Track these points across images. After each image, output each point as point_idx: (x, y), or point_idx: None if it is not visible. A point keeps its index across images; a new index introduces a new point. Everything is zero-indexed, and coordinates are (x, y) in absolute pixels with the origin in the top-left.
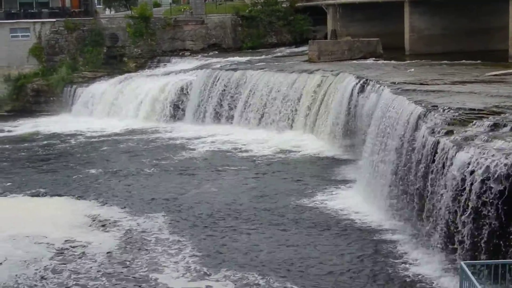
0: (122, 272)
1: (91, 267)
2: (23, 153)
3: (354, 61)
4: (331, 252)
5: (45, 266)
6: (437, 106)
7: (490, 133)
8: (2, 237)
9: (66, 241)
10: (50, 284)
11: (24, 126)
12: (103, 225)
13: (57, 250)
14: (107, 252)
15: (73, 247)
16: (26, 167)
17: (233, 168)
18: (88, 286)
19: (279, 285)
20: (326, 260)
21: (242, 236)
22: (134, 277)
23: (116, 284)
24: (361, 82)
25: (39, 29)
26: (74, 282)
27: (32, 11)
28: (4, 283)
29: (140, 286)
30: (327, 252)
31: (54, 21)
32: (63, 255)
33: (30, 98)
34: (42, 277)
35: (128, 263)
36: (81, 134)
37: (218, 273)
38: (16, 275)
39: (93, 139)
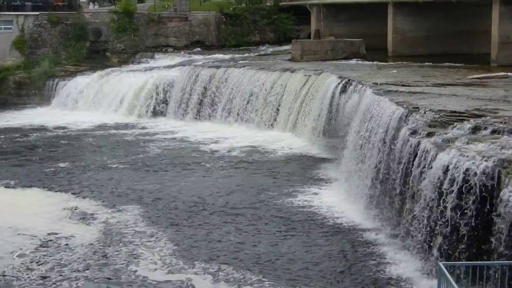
0: (103, 264)
1: (74, 259)
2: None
3: (337, 61)
4: (307, 250)
5: (31, 258)
6: (418, 107)
7: (471, 136)
8: None
9: (49, 233)
10: (36, 275)
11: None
12: (82, 218)
13: (41, 241)
14: (89, 244)
15: (57, 238)
16: (0, 159)
17: (211, 164)
18: (71, 277)
19: (255, 278)
20: (302, 258)
21: (218, 231)
22: (114, 269)
23: (98, 276)
24: (343, 82)
25: (22, 22)
26: (59, 274)
27: (16, 3)
28: None
29: (120, 278)
30: (303, 250)
31: (38, 15)
32: (48, 247)
33: (11, 91)
34: (28, 268)
35: (108, 255)
36: (59, 128)
37: (195, 266)
38: (4, 265)
39: (71, 133)
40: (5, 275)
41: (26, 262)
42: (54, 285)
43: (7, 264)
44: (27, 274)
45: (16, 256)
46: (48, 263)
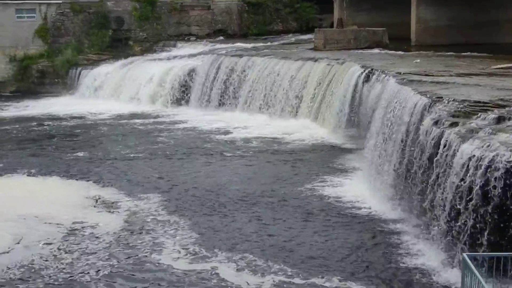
0: (129, 253)
1: (100, 248)
2: (20, 134)
3: (360, 51)
4: (330, 240)
5: (58, 246)
6: (442, 97)
7: (495, 126)
8: (13, 216)
9: (74, 222)
10: (63, 264)
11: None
12: (106, 206)
13: (67, 230)
14: (114, 233)
15: (83, 227)
16: (21, 148)
17: (232, 153)
18: (97, 266)
19: (277, 267)
20: (325, 248)
21: (239, 220)
22: (139, 258)
23: (122, 265)
24: (366, 71)
25: (45, 10)
26: (85, 263)
27: None
28: (21, 262)
29: (144, 267)
30: (327, 240)
31: (60, 3)
32: (74, 235)
33: (35, 79)
34: (56, 257)
35: (132, 244)
36: (81, 117)
37: (218, 255)
38: (32, 255)
39: (92, 122)
40: (33, 264)
41: (53, 251)
42: (81, 274)
43: (35, 253)
44: (55, 262)
45: (44, 245)
46: (75, 251)
